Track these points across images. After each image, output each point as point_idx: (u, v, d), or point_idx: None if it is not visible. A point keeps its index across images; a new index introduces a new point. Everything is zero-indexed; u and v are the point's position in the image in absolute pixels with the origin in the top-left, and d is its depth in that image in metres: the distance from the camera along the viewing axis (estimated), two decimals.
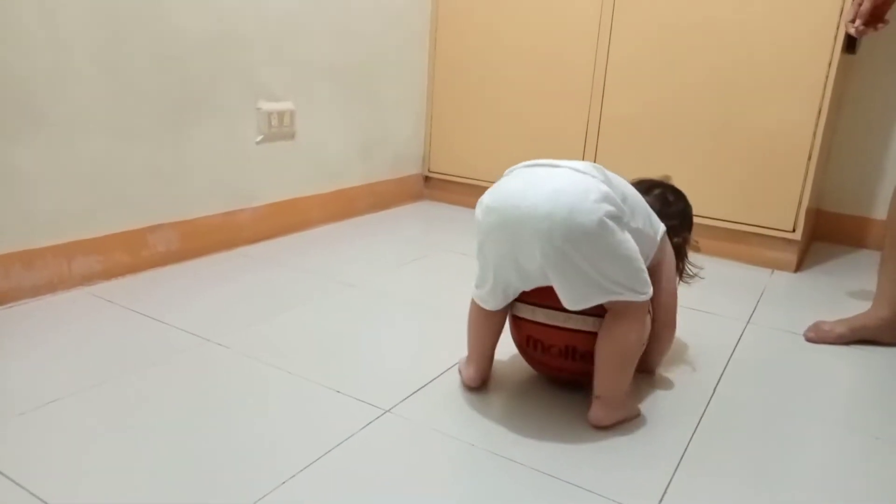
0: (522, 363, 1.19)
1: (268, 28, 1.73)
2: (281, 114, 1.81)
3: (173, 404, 1.00)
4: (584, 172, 0.96)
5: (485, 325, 1.07)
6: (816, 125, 1.74)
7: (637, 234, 0.96)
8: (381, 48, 2.13)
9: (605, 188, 0.93)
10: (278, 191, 1.87)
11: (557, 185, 0.92)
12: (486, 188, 1.02)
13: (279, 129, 1.82)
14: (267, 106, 1.77)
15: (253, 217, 1.79)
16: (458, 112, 2.31)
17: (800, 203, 1.80)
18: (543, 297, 1.00)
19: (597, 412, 0.99)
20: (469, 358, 1.11)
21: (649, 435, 1.00)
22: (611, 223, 0.90)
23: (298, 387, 1.07)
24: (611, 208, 0.91)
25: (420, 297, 1.49)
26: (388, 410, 1.01)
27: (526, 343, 1.08)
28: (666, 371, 1.21)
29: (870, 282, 1.85)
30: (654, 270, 1.03)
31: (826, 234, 2.24)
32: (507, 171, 1.05)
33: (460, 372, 1.12)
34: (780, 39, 1.74)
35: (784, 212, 1.82)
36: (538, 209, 0.91)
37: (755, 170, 1.83)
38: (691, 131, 1.90)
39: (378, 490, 0.83)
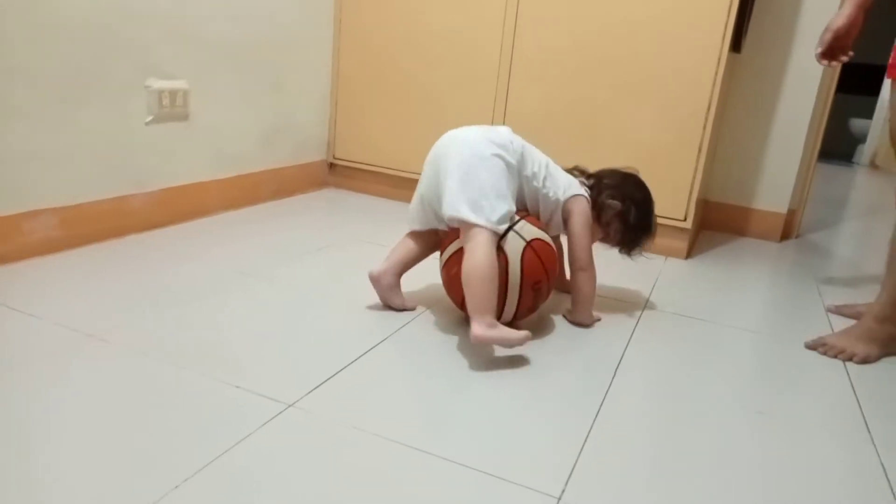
0: (429, 352, 1.18)
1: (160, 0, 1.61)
2: (173, 93, 1.70)
3: (52, 406, 0.92)
4: (490, 128, 1.32)
5: (408, 242, 1.36)
6: (706, 119, 1.84)
7: (528, 182, 1.31)
8: (283, 25, 2.05)
9: (500, 140, 1.28)
10: (173, 175, 1.76)
11: (472, 130, 1.31)
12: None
13: (171, 110, 1.71)
14: (157, 84, 1.66)
15: (145, 203, 1.68)
16: (365, 97, 2.26)
17: (690, 193, 1.90)
18: None
19: (474, 329, 1.14)
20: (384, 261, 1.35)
21: (554, 417, 1.02)
22: (497, 160, 1.24)
23: (192, 383, 1.01)
24: (501, 151, 1.25)
25: (323, 286, 1.45)
26: (292, 405, 0.98)
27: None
28: (568, 353, 1.24)
29: (752, 267, 1.99)
30: (564, 223, 1.37)
31: (712, 222, 2.38)
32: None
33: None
34: (673, 38, 1.83)
35: (676, 202, 1.91)
36: (457, 138, 1.29)
37: (650, 161, 1.91)
38: (592, 123, 1.96)
39: (279, 490, 0.80)
